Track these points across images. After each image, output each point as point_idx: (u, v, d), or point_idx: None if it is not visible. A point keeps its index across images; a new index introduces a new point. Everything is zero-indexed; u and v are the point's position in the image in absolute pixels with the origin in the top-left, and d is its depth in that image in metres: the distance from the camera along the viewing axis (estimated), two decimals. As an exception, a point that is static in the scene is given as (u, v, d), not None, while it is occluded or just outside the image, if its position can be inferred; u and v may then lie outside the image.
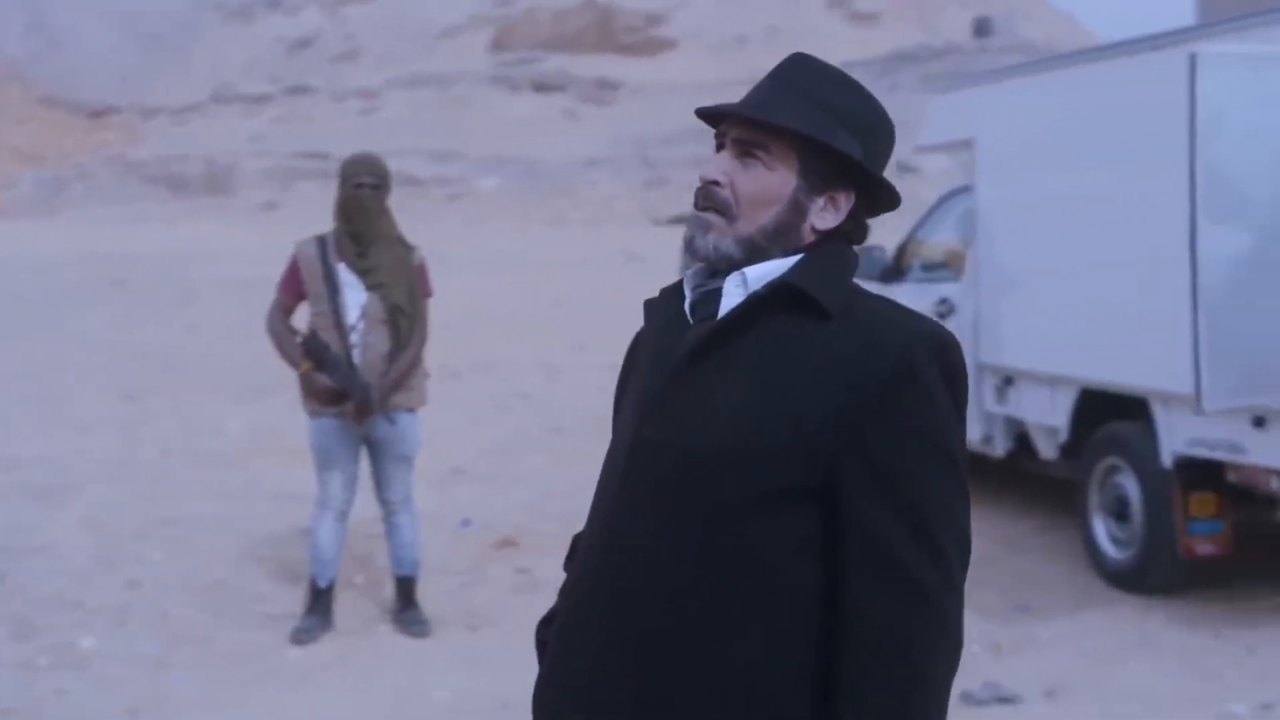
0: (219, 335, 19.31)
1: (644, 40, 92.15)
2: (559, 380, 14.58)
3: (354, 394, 6.78)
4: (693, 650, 2.22)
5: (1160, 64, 6.87)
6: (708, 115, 2.37)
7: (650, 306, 2.47)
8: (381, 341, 6.90)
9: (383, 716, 6.14)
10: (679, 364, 2.30)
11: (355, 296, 6.91)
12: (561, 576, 7.96)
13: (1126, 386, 7.64)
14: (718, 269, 2.32)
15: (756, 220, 2.29)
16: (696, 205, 2.33)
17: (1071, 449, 8.28)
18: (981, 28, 72.93)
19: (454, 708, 6.20)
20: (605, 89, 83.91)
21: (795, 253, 2.31)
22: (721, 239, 2.29)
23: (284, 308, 7.04)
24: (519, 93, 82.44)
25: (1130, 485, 7.71)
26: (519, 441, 11.45)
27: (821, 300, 2.23)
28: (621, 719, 2.25)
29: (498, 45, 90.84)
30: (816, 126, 2.27)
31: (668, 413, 2.29)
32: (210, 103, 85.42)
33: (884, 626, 2.14)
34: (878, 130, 2.34)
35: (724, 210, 2.29)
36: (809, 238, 2.32)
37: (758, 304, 2.26)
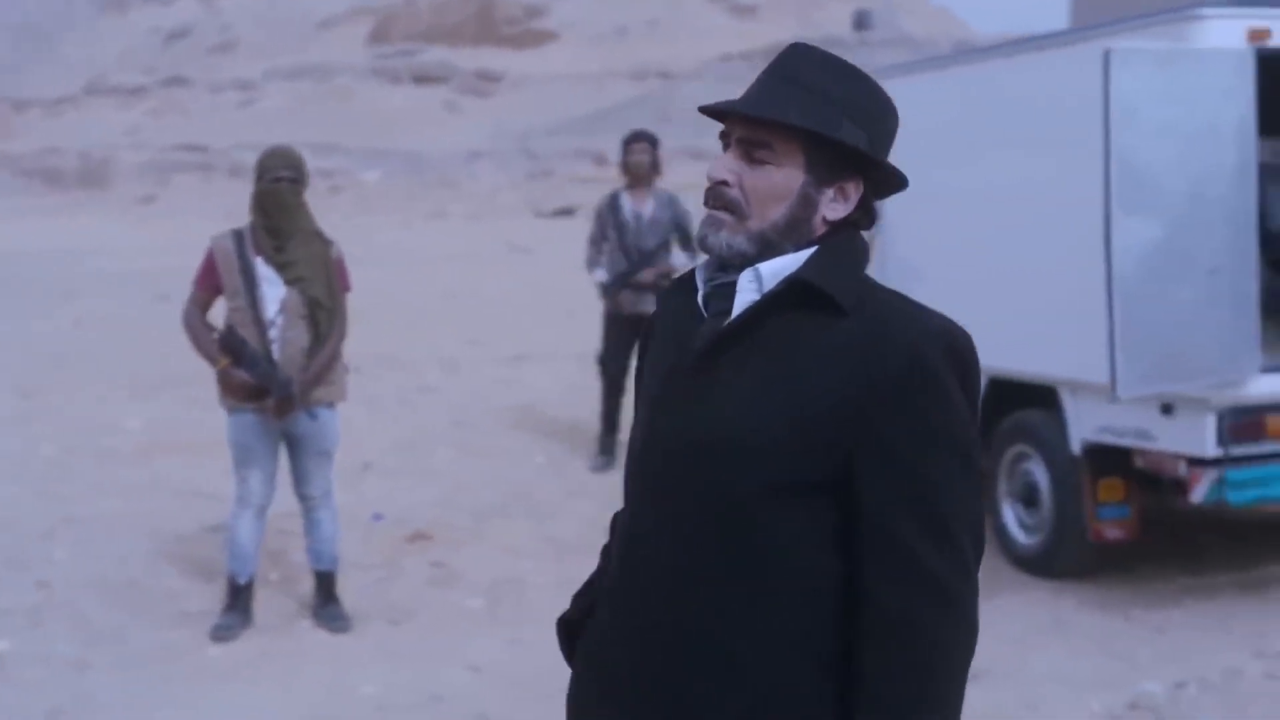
0: (107, 330, 19.02)
1: (524, 32, 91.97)
2: (459, 374, 14.57)
3: (275, 390, 6.74)
4: (702, 641, 2.26)
5: (1074, 59, 7.01)
6: (712, 113, 2.37)
7: (663, 296, 2.51)
8: (301, 336, 6.87)
9: (311, 711, 6.12)
10: (694, 360, 2.32)
11: (274, 291, 6.87)
12: (474, 569, 7.86)
13: (1036, 376, 7.78)
14: (731, 264, 2.35)
15: (768, 217, 2.30)
16: (706, 204, 2.34)
17: (980, 437, 8.42)
18: (861, 21, 73.57)
19: (382, 702, 6.20)
20: (486, 81, 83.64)
21: (808, 244, 2.33)
22: (734, 236, 2.31)
23: (200, 303, 6.97)
24: (399, 84, 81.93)
25: (1039, 472, 7.86)
26: (425, 435, 11.42)
27: (836, 296, 2.25)
28: (644, 708, 2.30)
29: (377, 36, 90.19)
30: (820, 120, 2.28)
31: (682, 407, 2.32)
32: (84, 95, 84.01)
33: (904, 621, 2.18)
34: (881, 116, 2.35)
35: (734, 209, 2.31)
36: (820, 229, 2.33)
37: (773, 301, 2.28)
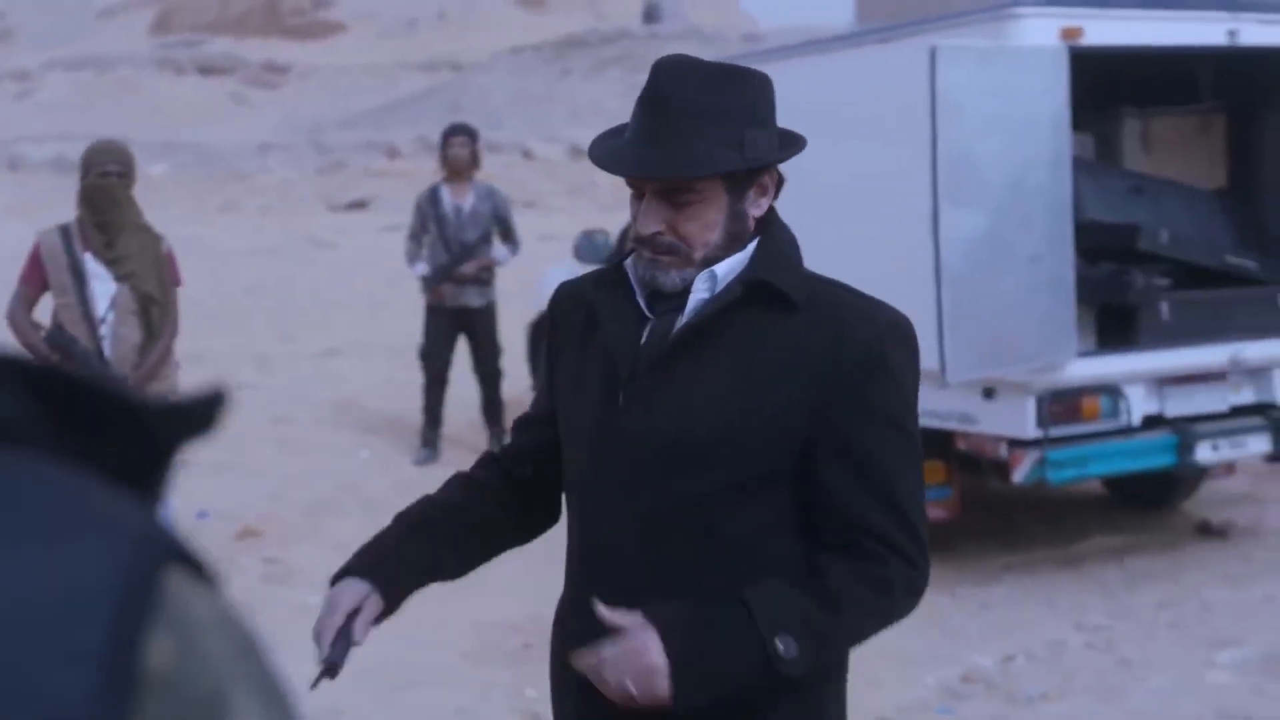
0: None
1: (312, 23, 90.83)
2: (273, 370, 14.42)
3: (108, 387, 6.65)
4: None
5: (903, 54, 7.22)
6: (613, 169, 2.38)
7: (588, 291, 2.53)
8: (133, 332, 6.78)
9: (158, 712, 6.06)
10: (658, 358, 2.38)
11: (104, 287, 6.78)
12: (309, 564, 7.76)
13: (860, 362, 8.00)
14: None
15: (708, 244, 2.37)
16: (644, 250, 2.39)
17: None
18: (651, 13, 74.11)
19: (230, 700, 6.16)
20: (274, 72, 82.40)
21: (747, 242, 2.41)
22: (683, 272, 2.38)
23: (26, 300, 6.85)
24: (184, 75, 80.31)
25: (863, 457, 8.08)
26: (246, 432, 11.26)
27: (789, 293, 2.35)
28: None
29: (160, 27, 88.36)
30: (731, 151, 2.32)
31: (648, 408, 2.38)
32: None
33: (876, 579, 2.33)
34: (767, 100, 2.40)
35: (674, 251, 2.37)
36: (753, 226, 2.42)
37: (734, 301, 2.36)
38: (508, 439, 2.75)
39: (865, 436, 2.33)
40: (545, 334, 2.65)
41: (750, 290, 2.36)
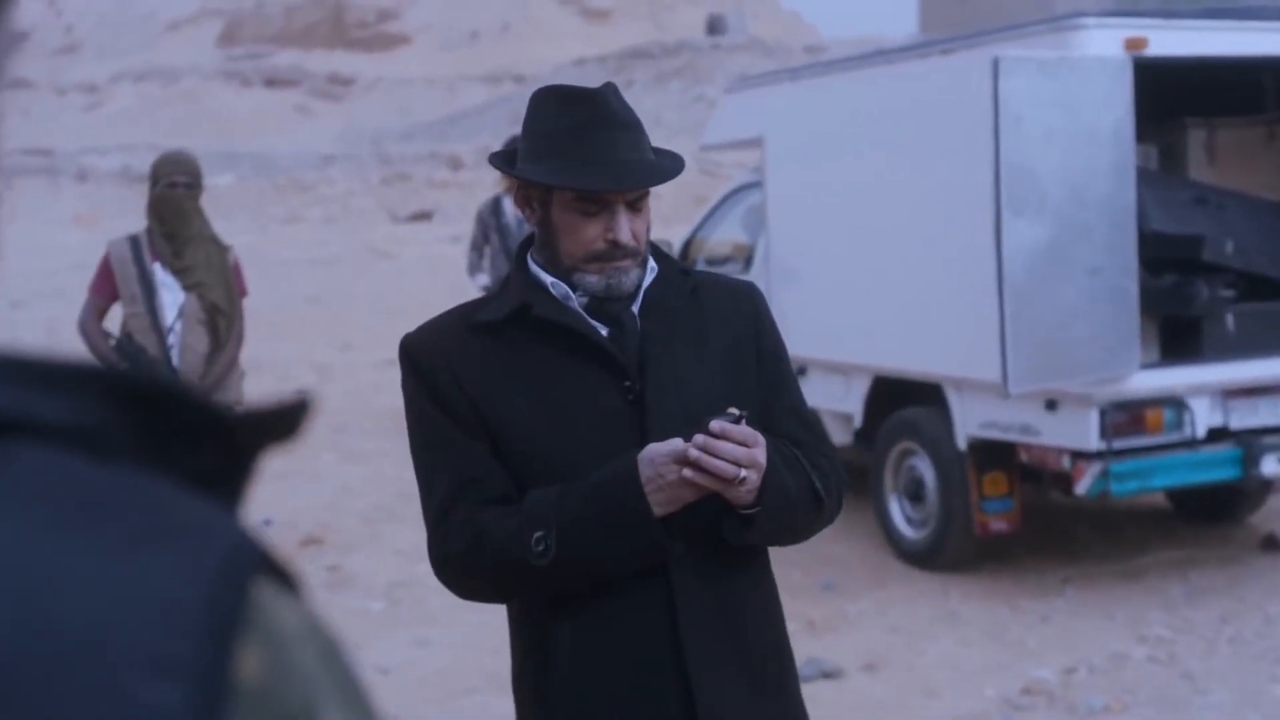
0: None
1: (376, 35, 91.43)
2: (333, 379, 14.52)
3: (175, 395, 6.72)
4: (746, 598, 2.65)
5: (966, 65, 7.22)
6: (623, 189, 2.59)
7: (484, 328, 2.61)
8: (200, 342, 6.85)
9: None
10: (660, 344, 2.62)
11: (172, 297, 6.85)
12: (370, 572, 7.82)
13: (923, 373, 7.99)
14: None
15: (645, 243, 2.65)
16: (611, 260, 2.58)
17: (865, 434, 8.62)
18: (715, 25, 73.99)
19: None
20: (338, 84, 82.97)
21: None
22: (635, 271, 2.62)
23: (97, 310, 6.93)
24: (250, 87, 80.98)
25: (925, 467, 8.08)
26: (306, 440, 11.35)
27: (695, 280, 2.74)
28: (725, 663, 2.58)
29: (227, 39, 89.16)
30: (663, 152, 2.68)
31: (660, 389, 2.59)
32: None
33: (832, 467, 2.73)
34: None
35: (636, 255, 2.62)
36: None
37: (693, 290, 2.71)
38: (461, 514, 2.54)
39: (782, 374, 2.78)
40: (428, 391, 2.59)
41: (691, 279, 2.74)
